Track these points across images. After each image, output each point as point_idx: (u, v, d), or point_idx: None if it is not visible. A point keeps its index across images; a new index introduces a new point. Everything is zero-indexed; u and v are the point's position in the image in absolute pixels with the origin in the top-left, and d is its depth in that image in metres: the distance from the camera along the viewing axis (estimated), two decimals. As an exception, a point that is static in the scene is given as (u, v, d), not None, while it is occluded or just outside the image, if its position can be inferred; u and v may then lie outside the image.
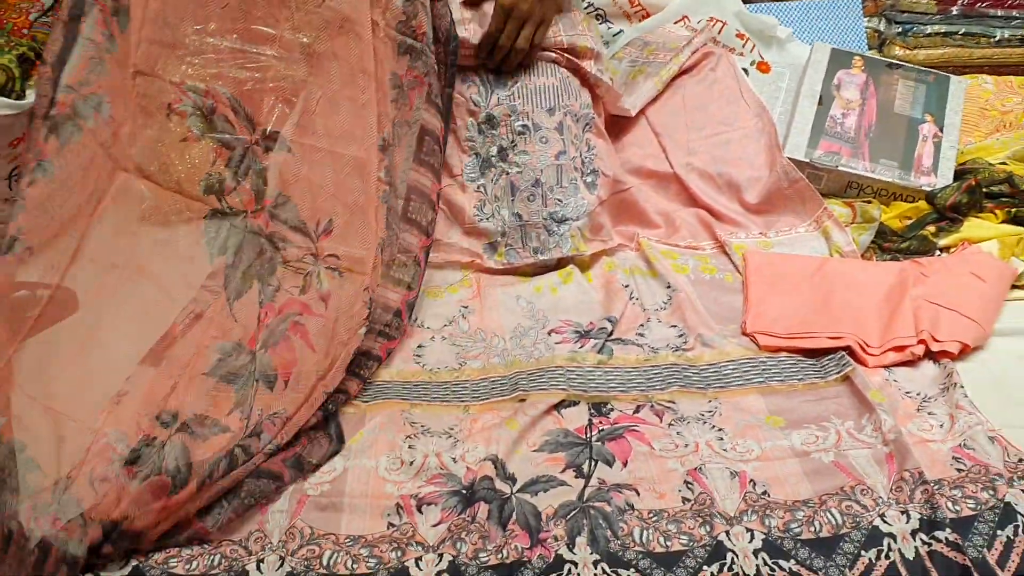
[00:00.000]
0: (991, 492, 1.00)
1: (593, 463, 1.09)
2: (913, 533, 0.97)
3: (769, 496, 1.03)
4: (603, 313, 1.37)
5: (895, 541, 0.96)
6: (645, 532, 0.99)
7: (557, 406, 1.17)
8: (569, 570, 0.95)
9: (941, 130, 1.62)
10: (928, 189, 1.54)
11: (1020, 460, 1.05)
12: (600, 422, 1.15)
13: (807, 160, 1.59)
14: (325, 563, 0.97)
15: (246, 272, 1.26)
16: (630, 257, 1.50)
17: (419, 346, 1.32)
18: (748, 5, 1.85)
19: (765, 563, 0.95)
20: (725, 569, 0.95)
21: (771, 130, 1.61)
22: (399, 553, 0.98)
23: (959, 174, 1.55)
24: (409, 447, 1.12)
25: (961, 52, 1.88)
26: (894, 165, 1.58)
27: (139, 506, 0.96)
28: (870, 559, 0.95)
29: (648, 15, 1.83)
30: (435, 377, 1.26)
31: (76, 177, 1.20)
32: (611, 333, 1.32)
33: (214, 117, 1.32)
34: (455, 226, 1.51)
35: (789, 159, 1.57)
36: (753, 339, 1.29)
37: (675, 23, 1.81)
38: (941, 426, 1.11)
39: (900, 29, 1.88)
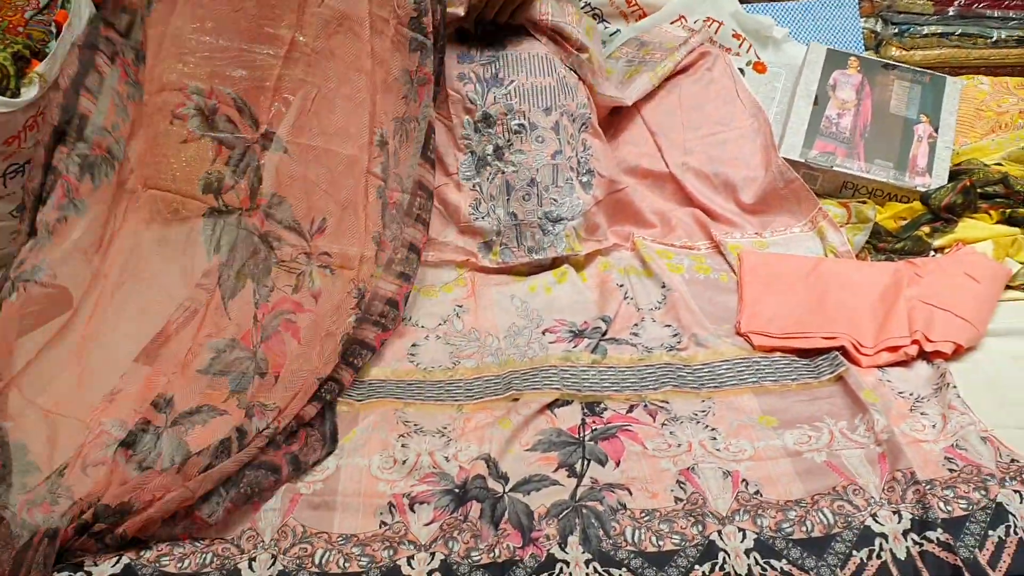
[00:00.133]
0: (983, 492, 1.00)
1: (586, 462, 1.09)
2: (905, 533, 0.97)
3: (761, 496, 1.03)
4: (597, 313, 1.37)
5: (887, 541, 0.96)
6: (637, 531, 0.99)
7: (550, 405, 1.17)
8: (561, 569, 0.95)
9: (936, 131, 1.62)
10: (923, 190, 1.54)
11: (1012, 461, 1.05)
12: (593, 421, 1.15)
13: (802, 160, 1.59)
14: (317, 562, 0.97)
15: (240, 271, 1.27)
16: (625, 257, 1.50)
17: (413, 345, 1.32)
18: (745, 5, 1.85)
19: (757, 562, 0.95)
20: (717, 569, 0.95)
21: (767, 130, 1.61)
22: (391, 552, 0.98)
23: (954, 175, 1.56)
24: (402, 446, 1.12)
25: (958, 53, 1.88)
26: (889, 165, 1.58)
27: (130, 485, 0.97)
28: (861, 559, 0.95)
29: (645, 15, 1.83)
30: (429, 376, 1.26)
31: (102, 212, 1.26)
32: (605, 333, 1.32)
33: (215, 117, 1.33)
34: (450, 225, 1.51)
35: (785, 159, 1.57)
36: (747, 339, 1.29)
37: (672, 23, 1.81)
38: (934, 426, 1.12)
39: (897, 30, 1.88)
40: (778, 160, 1.56)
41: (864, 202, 1.54)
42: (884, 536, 0.97)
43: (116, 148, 1.28)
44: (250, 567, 0.96)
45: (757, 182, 1.57)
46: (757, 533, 0.98)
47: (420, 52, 1.42)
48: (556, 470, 1.08)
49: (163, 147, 1.32)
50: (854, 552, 0.96)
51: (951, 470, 1.05)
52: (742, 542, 0.97)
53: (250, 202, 1.31)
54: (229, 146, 1.34)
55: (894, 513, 0.99)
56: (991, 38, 1.88)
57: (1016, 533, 0.96)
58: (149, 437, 1.05)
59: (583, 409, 1.17)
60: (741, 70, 1.76)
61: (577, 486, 1.06)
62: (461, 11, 1.47)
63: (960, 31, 1.88)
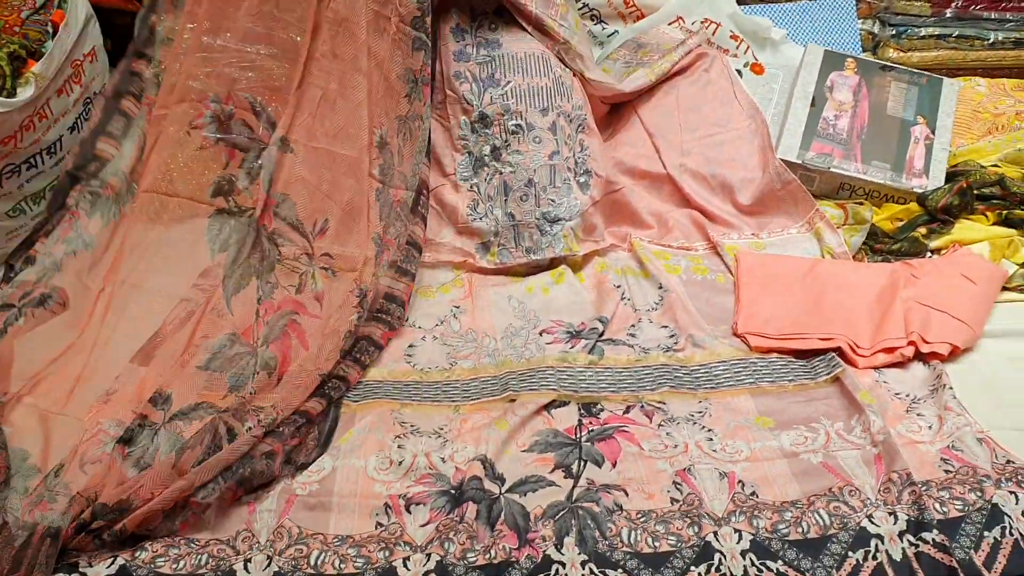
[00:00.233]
0: (979, 493, 1.01)
1: (582, 463, 1.09)
2: (900, 534, 0.97)
3: (757, 497, 1.03)
4: (594, 313, 1.37)
5: (882, 542, 0.96)
6: (633, 532, 0.99)
7: (547, 406, 1.17)
8: (557, 570, 0.95)
9: (933, 132, 1.62)
10: (920, 191, 1.54)
11: (1008, 462, 1.05)
12: (590, 422, 1.15)
13: (799, 161, 1.59)
14: (313, 563, 0.97)
15: (246, 267, 1.27)
16: (622, 257, 1.50)
17: (410, 346, 1.32)
18: (742, 7, 1.85)
19: (753, 564, 0.95)
20: (713, 570, 0.95)
21: (764, 131, 1.61)
22: (387, 553, 0.98)
23: (951, 176, 1.56)
24: (398, 447, 1.12)
25: (955, 54, 1.88)
26: (886, 167, 1.58)
27: (127, 484, 0.97)
28: (857, 560, 0.95)
29: (643, 16, 1.83)
30: (426, 377, 1.26)
31: (106, 242, 1.28)
32: (602, 333, 1.32)
33: (231, 122, 1.35)
34: (448, 225, 1.51)
35: (782, 160, 1.57)
36: (744, 340, 1.30)
37: (669, 24, 1.81)
38: (930, 427, 1.12)
39: (894, 31, 1.88)
40: (775, 161, 1.56)
41: (861, 203, 1.54)
42: (880, 537, 0.97)
43: (125, 191, 1.31)
44: (245, 568, 0.96)
45: (754, 183, 1.57)
46: (753, 534, 0.98)
47: (423, 51, 1.43)
48: (552, 471, 1.08)
49: (176, 155, 1.34)
50: (850, 553, 0.96)
51: (947, 471, 1.05)
52: (738, 543, 0.97)
53: (261, 202, 1.32)
54: (243, 149, 1.36)
55: (890, 514, 0.99)
56: (988, 40, 1.88)
57: (1011, 534, 0.96)
58: (146, 433, 1.05)
59: (580, 410, 1.17)
60: (739, 71, 1.76)
61: (573, 487, 1.05)
62: None
63: (957, 33, 1.89)
